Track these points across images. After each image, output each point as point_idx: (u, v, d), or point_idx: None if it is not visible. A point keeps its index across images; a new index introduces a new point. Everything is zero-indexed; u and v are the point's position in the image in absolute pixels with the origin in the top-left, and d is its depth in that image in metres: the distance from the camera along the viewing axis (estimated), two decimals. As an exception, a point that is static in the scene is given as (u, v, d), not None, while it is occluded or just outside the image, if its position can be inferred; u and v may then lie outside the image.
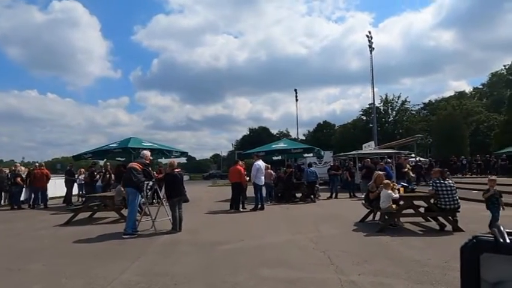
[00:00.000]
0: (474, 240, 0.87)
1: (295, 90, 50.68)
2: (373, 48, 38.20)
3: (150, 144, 15.01)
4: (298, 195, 15.47)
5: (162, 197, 8.84)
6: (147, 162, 8.21)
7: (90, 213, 10.54)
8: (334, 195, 15.66)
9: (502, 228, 0.85)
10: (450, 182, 7.41)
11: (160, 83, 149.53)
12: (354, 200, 15.22)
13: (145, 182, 8.30)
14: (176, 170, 8.27)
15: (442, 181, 7.38)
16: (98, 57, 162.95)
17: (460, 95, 55.26)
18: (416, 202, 7.87)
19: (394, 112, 49.18)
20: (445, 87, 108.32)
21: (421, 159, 31.32)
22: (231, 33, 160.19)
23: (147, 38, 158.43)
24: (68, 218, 9.78)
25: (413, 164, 21.80)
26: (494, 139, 32.86)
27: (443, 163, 26.48)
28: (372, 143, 24.18)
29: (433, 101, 58.90)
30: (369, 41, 37.91)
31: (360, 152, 22.44)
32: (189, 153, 19.82)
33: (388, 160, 19.69)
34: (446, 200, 7.27)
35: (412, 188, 8.14)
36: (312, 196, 14.42)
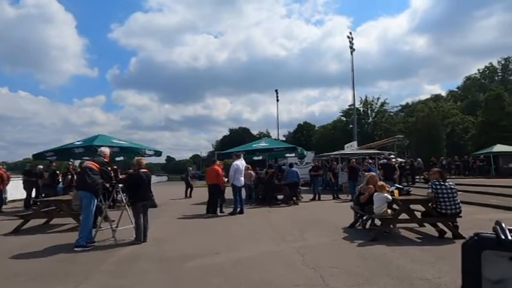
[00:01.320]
0: (475, 238, 0.88)
1: (276, 90, 49.98)
2: (354, 49, 37.88)
3: (120, 142, 13.64)
4: (280, 197, 14.51)
5: (124, 201, 7.62)
6: (106, 160, 6.96)
7: (46, 219, 9.15)
8: (317, 196, 14.76)
9: (503, 225, 0.85)
10: (451, 183, 6.56)
11: (138, 82, 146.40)
12: (337, 201, 14.39)
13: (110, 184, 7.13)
14: (143, 170, 7.06)
15: (442, 183, 6.52)
16: (73, 54, 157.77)
17: (436, 97, 56.02)
18: (412, 206, 7.00)
19: (373, 113, 49.16)
20: (420, 90, 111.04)
21: (400, 159, 31.15)
22: (210, 33, 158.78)
23: (125, 36, 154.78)
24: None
25: (397, 164, 21.22)
26: (471, 140, 33.07)
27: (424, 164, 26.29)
28: (355, 143, 23.53)
29: (410, 103, 59.59)
30: (350, 42, 37.46)
31: (342, 152, 21.72)
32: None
33: (370, 161, 19.00)
34: (447, 204, 6.41)
35: (408, 190, 7.26)
36: (295, 198, 13.46)
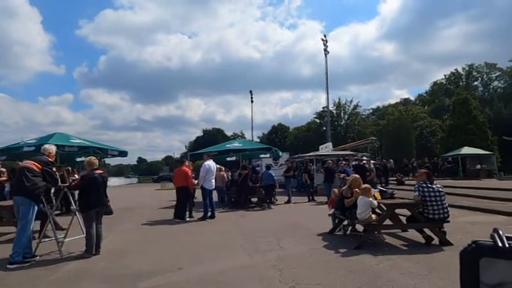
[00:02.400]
0: (473, 245, 0.88)
1: (251, 91, 49.36)
2: (328, 52, 37.93)
3: (79, 141, 12.36)
4: (254, 199, 13.74)
5: (75, 207, 6.57)
6: (50, 160, 5.90)
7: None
8: (288, 199, 14.12)
9: (501, 233, 0.85)
10: (438, 186, 6.02)
11: (108, 80, 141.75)
12: (313, 204, 13.79)
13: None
14: (98, 171, 6.05)
15: (429, 185, 5.97)
16: (39, 51, 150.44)
17: (406, 101, 57.44)
18: (397, 210, 6.43)
19: (346, 116, 49.56)
20: (388, 95, 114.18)
21: (372, 161, 31.32)
22: (184, 33, 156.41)
23: (94, 33, 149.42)
24: None
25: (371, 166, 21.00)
26: (440, 143, 33.78)
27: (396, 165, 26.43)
28: (330, 144, 23.18)
29: (381, 107, 60.82)
30: (324, 44, 37.52)
31: (317, 153, 21.27)
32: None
33: (344, 162, 18.62)
34: (435, 208, 5.86)
35: (392, 193, 6.67)
36: (269, 201, 12.72)
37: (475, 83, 52.58)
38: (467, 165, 26.34)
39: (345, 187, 6.59)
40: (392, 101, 61.46)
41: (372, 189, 6.22)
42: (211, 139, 58.69)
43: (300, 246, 6.15)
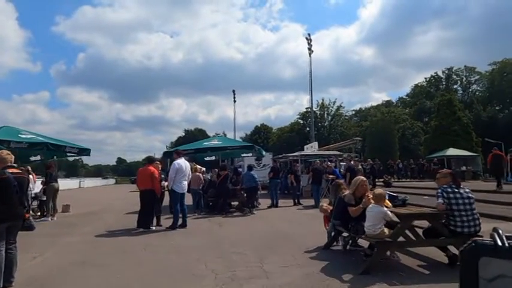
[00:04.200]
0: (473, 244, 0.91)
1: (233, 91, 47.77)
2: (312, 51, 36.78)
3: (30, 136, 10.47)
4: (234, 203, 12.19)
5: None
6: None
7: None
8: (275, 203, 12.61)
9: (501, 232, 0.88)
10: (467, 190, 4.63)
11: (86, 79, 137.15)
12: (299, 208, 12.34)
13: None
14: (12, 170, 4.33)
15: (455, 190, 4.57)
16: (13, 47, 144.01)
17: (388, 103, 57.19)
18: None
19: (329, 117, 48.67)
20: (368, 98, 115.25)
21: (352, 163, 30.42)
22: (166, 32, 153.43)
23: (72, 30, 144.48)
24: None
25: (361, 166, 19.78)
26: (424, 144, 33.13)
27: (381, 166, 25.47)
28: (315, 144, 21.86)
29: (363, 109, 60.40)
30: (308, 43, 36.36)
31: (303, 153, 19.91)
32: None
33: (329, 163, 17.31)
34: (464, 219, 4.46)
35: (404, 200, 5.25)
36: (251, 205, 11.17)
37: (455, 86, 52.79)
38: (452, 166, 25.63)
39: (348, 192, 5.10)
40: (373, 104, 61.31)
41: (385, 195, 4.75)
42: (193, 139, 56.40)
43: (289, 270, 4.62)
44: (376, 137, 38.25)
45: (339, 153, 19.67)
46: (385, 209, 4.51)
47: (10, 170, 4.26)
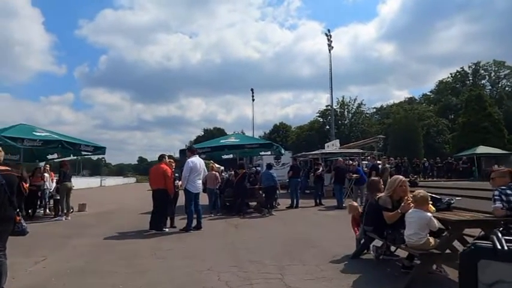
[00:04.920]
0: (472, 247, 1.02)
1: (252, 89, 47.30)
2: (332, 47, 35.75)
3: (45, 134, 10.22)
4: (252, 203, 11.60)
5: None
6: None
7: None
8: (295, 203, 11.92)
9: (500, 235, 0.98)
10: (531, 191, 3.82)
11: (108, 80, 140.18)
12: (321, 209, 11.61)
13: None
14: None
15: (517, 191, 3.77)
16: (40, 51, 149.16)
17: (410, 100, 55.11)
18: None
19: (350, 115, 47.33)
20: (389, 95, 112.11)
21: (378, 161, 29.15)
22: (184, 33, 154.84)
23: (94, 33, 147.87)
24: None
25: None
26: (452, 142, 31.47)
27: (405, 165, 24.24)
28: (337, 142, 20.95)
29: (385, 106, 58.48)
30: (328, 39, 35.36)
31: (324, 151, 19.08)
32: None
33: (350, 161, 16.42)
34: (528, 226, 3.67)
35: (449, 202, 4.47)
36: (269, 206, 10.52)
37: (483, 81, 50.18)
38: (482, 165, 24.08)
39: (384, 195, 4.36)
40: (394, 101, 59.23)
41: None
42: (212, 139, 56.51)
43: (315, 284, 3.96)
44: (399, 135, 36.78)
45: (361, 151, 18.70)
46: (430, 214, 3.77)
47: None
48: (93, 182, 38.54)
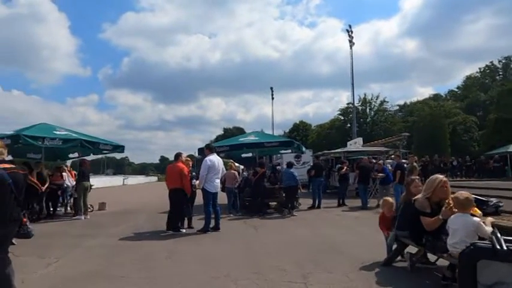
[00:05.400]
0: (472, 247, 1.04)
1: (271, 88, 46.93)
2: (354, 43, 34.77)
3: (65, 132, 10.19)
4: (272, 203, 11.19)
5: None
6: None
7: None
8: (317, 203, 11.42)
9: (499, 235, 1.01)
10: None
11: (131, 81, 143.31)
12: (345, 210, 11.06)
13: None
14: (4, 165, 3.62)
15: None
16: (66, 54, 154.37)
17: (436, 97, 53.06)
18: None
19: (372, 112, 45.99)
20: (412, 92, 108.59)
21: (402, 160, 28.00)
22: (204, 33, 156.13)
23: (117, 36, 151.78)
24: None
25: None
26: (482, 139, 29.90)
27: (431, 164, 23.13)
28: (360, 140, 20.19)
29: (408, 103, 56.53)
30: (349, 35, 34.43)
31: (346, 149, 18.41)
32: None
33: (373, 160, 15.68)
34: None
35: (497, 205, 3.91)
36: (290, 206, 10.06)
37: (514, 75, 47.65)
38: (516, 164, 22.70)
39: (421, 196, 3.86)
40: (418, 98, 57.12)
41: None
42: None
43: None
44: (424, 133, 35.30)
45: (386, 149, 17.90)
46: (478, 219, 3.25)
47: (1, 166, 3.53)
48: (116, 180, 39.21)
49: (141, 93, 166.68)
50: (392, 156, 18.90)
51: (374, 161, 15.42)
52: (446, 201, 3.57)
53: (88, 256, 5.34)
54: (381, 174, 11.52)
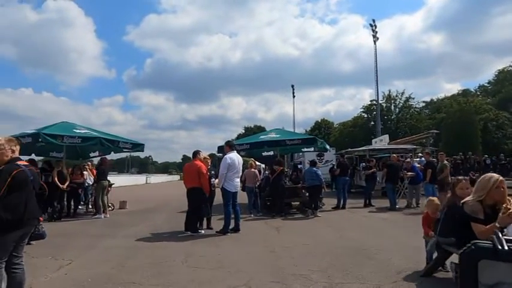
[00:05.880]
0: (473, 247, 1.01)
1: (292, 86, 46.27)
2: (378, 38, 33.65)
3: (85, 131, 10.11)
4: (294, 203, 10.72)
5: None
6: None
7: None
8: (342, 203, 10.83)
9: (500, 235, 1.00)
10: None
11: (153, 82, 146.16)
12: (372, 211, 10.43)
13: None
14: (22, 163, 3.31)
15: None
16: (92, 57, 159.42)
17: (465, 92, 50.62)
18: None
19: (397, 109, 44.41)
20: (438, 89, 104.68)
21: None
22: (224, 33, 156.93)
23: (140, 38, 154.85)
24: None
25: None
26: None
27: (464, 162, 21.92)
28: (386, 137, 19.31)
29: (435, 100, 54.24)
30: (373, 30, 33.32)
31: (371, 147, 17.63)
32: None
33: (401, 158, 14.84)
34: None
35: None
36: (314, 206, 9.55)
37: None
38: (556, 162, 21.08)
39: (471, 198, 3.30)
40: (445, 94, 54.63)
41: None
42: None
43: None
44: (453, 130, 33.62)
45: (413, 147, 16.98)
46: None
47: (21, 163, 3.28)
48: (140, 179, 39.79)
49: (164, 93, 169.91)
50: (419, 154, 18.03)
51: (402, 159, 14.62)
52: (504, 205, 3.00)
53: (102, 258, 5.08)
54: (410, 173, 10.81)
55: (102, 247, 5.87)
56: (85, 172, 10.62)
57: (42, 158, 12.11)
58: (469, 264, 1.09)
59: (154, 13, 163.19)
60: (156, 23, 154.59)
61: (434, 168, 10.41)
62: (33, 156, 11.16)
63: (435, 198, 4.80)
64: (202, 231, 7.03)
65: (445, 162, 11.78)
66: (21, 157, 3.51)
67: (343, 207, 10.66)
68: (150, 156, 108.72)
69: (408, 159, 12.77)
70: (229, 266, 4.60)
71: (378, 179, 11.74)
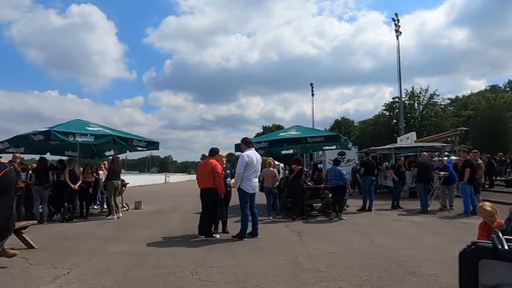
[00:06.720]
0: (473, 246, 0.85)
1: (311, 84, 45.11)
2: (400, 33, 32.16)
3: (98, 128, 9.74)
4: (316, 205, 9.97)
5: None
6: None
7: None
8: (368, 205, 9.99)
9: (500, 235, 0.83)
10: None
11: (173, 83, 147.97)
12: (401, 213, 9.54)
13: None
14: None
15: None
16: (114, 59, 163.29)
17: (493, 88, 48.03)
18: None
19: (420, 107, 42.57)
20: (462, 86, 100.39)
21: (453, 157, 25.06)
22: (242, 33, 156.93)
23: (159, 39, 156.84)
24: None
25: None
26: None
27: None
28: (413, 134, 18.15)
29: (461, 97, 51.80)
30: (396, 25, 31.89)
31: (396, 145, 16.59)
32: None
33: (437, 158, 13.72)
34: None
35: None
36: (338, 209, 8.76)
37: None
38: None
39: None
40: (472, 91, 51.97)
41: None
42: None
43: None
44: (482, 128, 31.76)
45: (442, 145, 15.83)
46: None
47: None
48: (159, 178, 39.85)
49: (183, 94, 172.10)
50: (446, 152, 16.83)
51: (435, 158, 13.56)
52: None
53: (104, 267, 4.54)
54: (443, 173, 9.84)
55: (107, 253, 5.35)
56: (100, 172, 10.25)
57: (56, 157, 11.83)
58: (468, 264, 0.83)
59: (173, 15, 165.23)
60: (175, 25, 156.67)
61: (473, 167, 9.43)
62: (48, 155, 10.95)
63: (486, 203, 3.99)
64: (217, 236, 6.42)
65: (480, 161, 10.73)
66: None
67: (369, 210, 9.83)
68: (169, 155, 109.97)
69: (442, 158, 11.74)
70: (244, 279, 3.95)
71: (406, 179, 10.78)
